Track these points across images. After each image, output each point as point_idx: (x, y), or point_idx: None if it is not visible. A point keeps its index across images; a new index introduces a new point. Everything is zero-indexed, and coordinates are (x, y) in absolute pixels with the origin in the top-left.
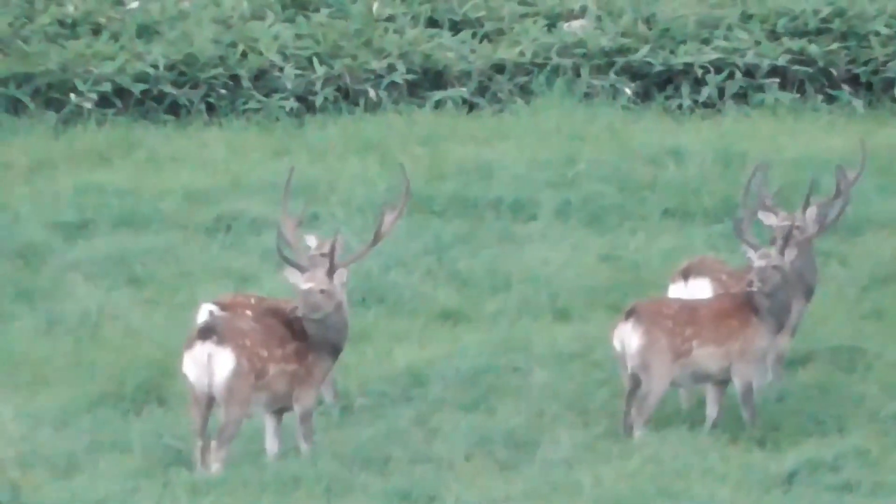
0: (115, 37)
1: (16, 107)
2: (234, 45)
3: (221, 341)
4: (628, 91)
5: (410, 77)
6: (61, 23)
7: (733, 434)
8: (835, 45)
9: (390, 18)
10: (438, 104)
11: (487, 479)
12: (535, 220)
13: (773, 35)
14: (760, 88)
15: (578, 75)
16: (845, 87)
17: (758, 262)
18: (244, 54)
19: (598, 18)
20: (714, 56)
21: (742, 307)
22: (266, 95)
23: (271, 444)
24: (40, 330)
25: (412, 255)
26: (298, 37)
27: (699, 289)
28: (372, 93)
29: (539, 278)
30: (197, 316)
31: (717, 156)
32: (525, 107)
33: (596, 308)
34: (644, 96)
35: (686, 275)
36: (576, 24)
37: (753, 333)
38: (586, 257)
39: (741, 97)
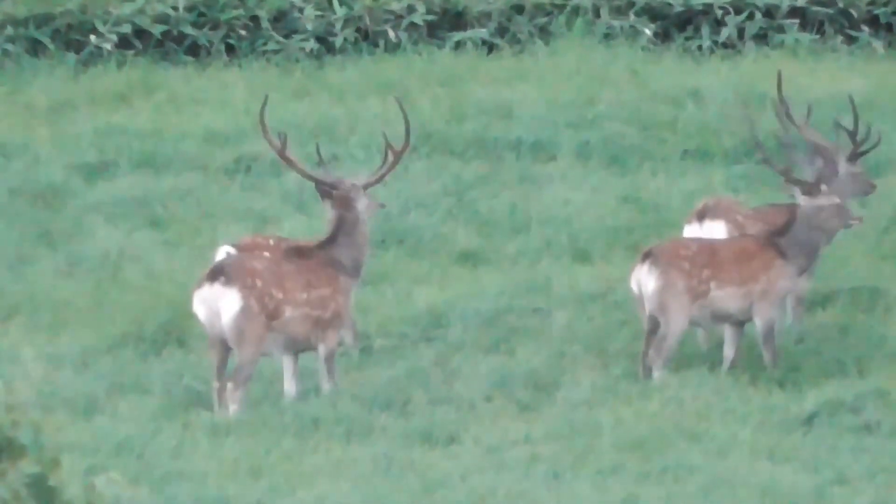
0: None
1: (35, 48)
2: None
3: (228, 282)
4: (648, 32)
5: (430, 18)
6: None
7: (753, 375)
8: None
9: None
10: (458, 45)
11: (507, 419)
12: (554, 161)
13: None
14: (780, 29)
15: (598, 16)
16: (865, 28)
17: (832, 201)
18: None
19: None
20: None
21: (765, 248)
22: (286, 36)
23: (289, 386)
24: (61, 271)
25: (432, 196)
26: None
27: (714, 230)
28: (392, 34)
29: (559, 219)
30: (215, 257)
31: (736, 97)
32: (544, 48)
33: (616, 249)
34: (664, 37)
35: (701, 216)
36: None
37: (777, 275)
38: (606, 198)
39: (761, 38)
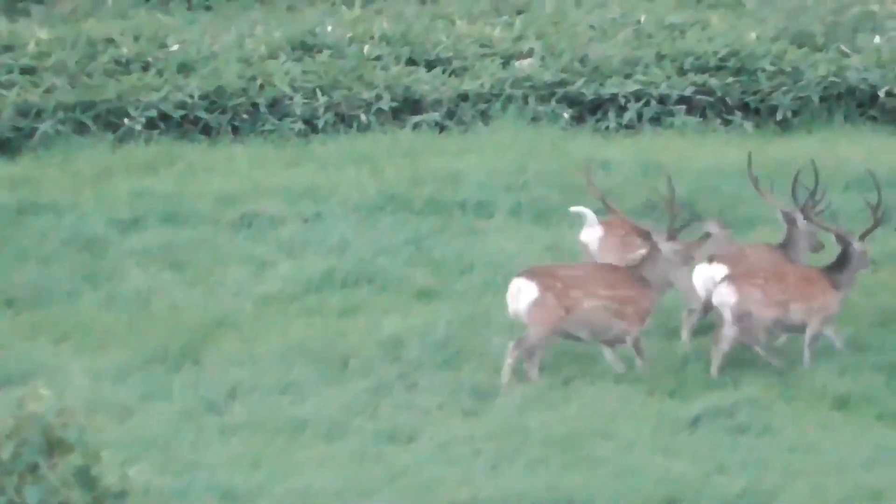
0: (160, 72)
1: (81, 129)
2: (254, 78)
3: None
4: (566, 116)
5: (394, 104)
6: (117, 61)
7: (651, 386)
8: (730, 79)
9: (378, 58)
10: (416, 126)
11: (456, 422)
12: (493, 217)
13: (682, 71)
14: (671, 114)
15: (527, 103)
16: (738, 113)
17: (864, 247)
18: (262, 86)
19: (543, 58)
20: (635, 88)
21: (633, 278)
22: (279, 119)
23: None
24: (102, 305)
25: (396, 245)
26: (305, 72)
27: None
28: (363, 117)
29: (497, 264)
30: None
31: (637, 166)
32: (485, 128)
33: None
34: (579, 120)
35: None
36: (525, 63)
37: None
38: (534, 247)
39: (656, 120)
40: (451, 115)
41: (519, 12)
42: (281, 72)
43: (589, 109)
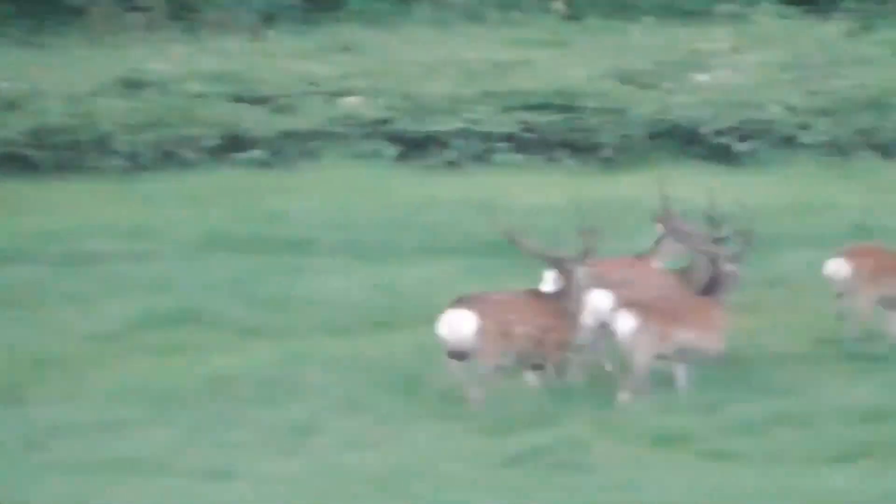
0: None
1: None
2: (78, 116)
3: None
4: (391, 153)
5: (219, 142)
6: None
7: (470, 423)
8: (555, 117)
9: (203, 95)
10: (241, 164)
11: (275, 460)
12: (317, 255)
13: (506, 109)
14: (495, 151)
15: (352, 141)
16: (562, 151)
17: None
18: (86, 124)
19: (368, 96)
20: (460, 125)
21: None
22: (104, 156)
23: None
24: None
25: (220, 282)
26: (130, 110)
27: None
28: (188, 154)
29: (321, 301)
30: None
31: (461, 204)
32: (310, 166)
33: (364, 324)
34: (404, 157)
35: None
36: (351, 100)
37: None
38: (358, 284)
39: (480, 158)
40: (276, 152)
41: (345, 50)
42: (105, 109)
43: (414, 147)
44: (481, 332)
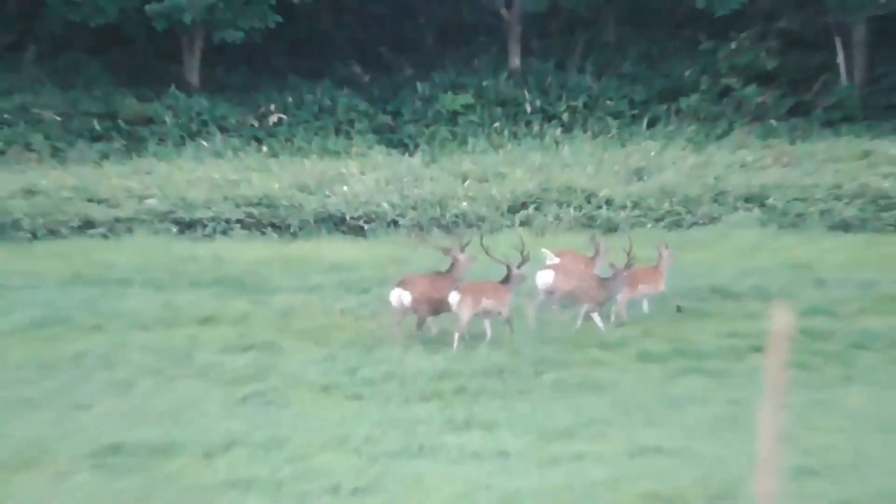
0: None
1: None
2: None
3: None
4: (175, 230)
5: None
6: None
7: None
8: None
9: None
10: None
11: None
12: None
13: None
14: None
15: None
16: None
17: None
18: None
19: (160, 198)
20: (210, 214)
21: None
22: None
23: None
24: None
25: None
26: None
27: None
28: None
29: None
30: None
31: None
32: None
33: None
34: (181, 232)
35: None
36: (150, 201)
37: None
38: None
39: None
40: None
41: (147, 173)
42: None
43: (187, 226)
44: (415, 300)
